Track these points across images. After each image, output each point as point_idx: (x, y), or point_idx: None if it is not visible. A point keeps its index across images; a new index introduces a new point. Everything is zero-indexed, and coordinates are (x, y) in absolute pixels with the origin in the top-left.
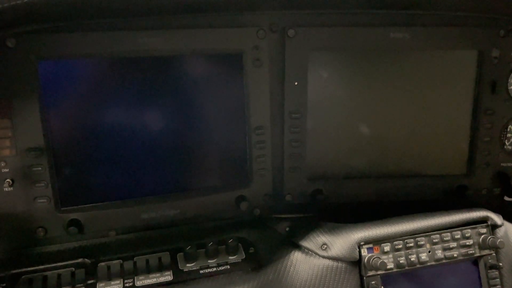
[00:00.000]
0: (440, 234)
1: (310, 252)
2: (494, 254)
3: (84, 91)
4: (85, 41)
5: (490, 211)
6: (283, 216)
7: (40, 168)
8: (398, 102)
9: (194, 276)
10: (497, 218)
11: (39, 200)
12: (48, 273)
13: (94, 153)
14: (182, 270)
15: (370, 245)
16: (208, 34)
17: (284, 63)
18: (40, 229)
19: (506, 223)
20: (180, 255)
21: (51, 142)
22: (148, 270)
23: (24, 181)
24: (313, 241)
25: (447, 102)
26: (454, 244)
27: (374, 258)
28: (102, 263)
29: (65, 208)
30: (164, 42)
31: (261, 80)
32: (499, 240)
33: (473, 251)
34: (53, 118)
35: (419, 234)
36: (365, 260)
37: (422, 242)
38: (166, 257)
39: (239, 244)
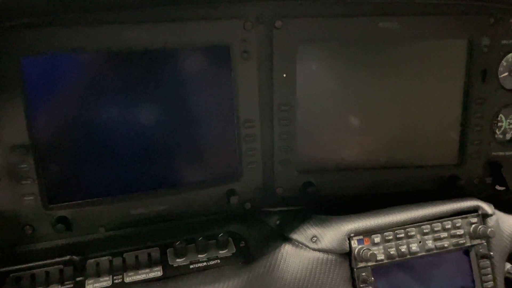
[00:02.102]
0: (430, 224)
1: (301, 245)
2: (485, 243)
3: (69, 86)
4: (68, 36)
5: (481, 201)
6: (273, 209)
7: (26, 166)
8: (388, 93)
9: (184, 271)
10: (488, 208)
11: (26, 198)
12: (36, 271)
13: (81, 149)
14: (172, 266)
15: (360, 237)
16: (194, 27)
17: (272, 55)
18: (27, 226)
19: (497, 212)
20: (170, 251)
21: (36, 139)
22: (138, 266)
23: (10, 179)
24: (303, 234)
25: (438, 92)
26: (444, 234)
27: (364, 249)
28: (91, 260)
29: (53, 206)
30: (149, 36)
31: (249, 72)
32: (489, 229)
33: (464, 241)
34: (38, 114)
35: (409, 224)
36: (355, 252)
37: (412, 233)
38: (155, 253)
39: (230, 238)
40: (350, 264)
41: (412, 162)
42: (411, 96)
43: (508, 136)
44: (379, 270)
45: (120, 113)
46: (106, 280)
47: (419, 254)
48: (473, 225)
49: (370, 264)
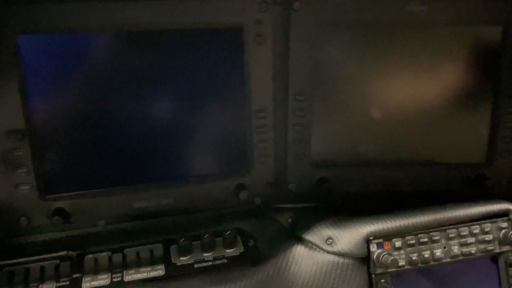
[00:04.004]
0: (457, 228)
1: (314, 247)
2: None
3: (69, 68)
4: (68, 13)
5: None
6: (285, 206)
7: (21, 153)
8: (413, 83)
9: (188, 270)
10: None
11: (21, 187)
12: (31, 265)
13: (81, 136)
14: (175, 264)
15: (380, 240)
16: (204, 6)
17: (289, 39)
18: (23, 218)
19: None
20: (173, 248)
21: (33, 124)
22: (139, 263)
23: (5, 167)
24: (317, 235)
25: (467, 83)
26: (472, 240)
27: (385, 254)
28: (90, 255)
29: (50, 196)
30: (155, 15)
31: (264, 58)
32: None
33: (493, 247)
34: (35, 97)
35: (433, 228)
36: (374, 256)
37: (437, 237)
38: (158, 250)
39: (238, 236)
40: (368, 270)
41: (436, 159)
42: (438, 86)
43: None
44: (400, 277)
45: (123, 99)
46: (105, 278)
47: (444, 261)
48: (503, 231)
49: (390, 270)
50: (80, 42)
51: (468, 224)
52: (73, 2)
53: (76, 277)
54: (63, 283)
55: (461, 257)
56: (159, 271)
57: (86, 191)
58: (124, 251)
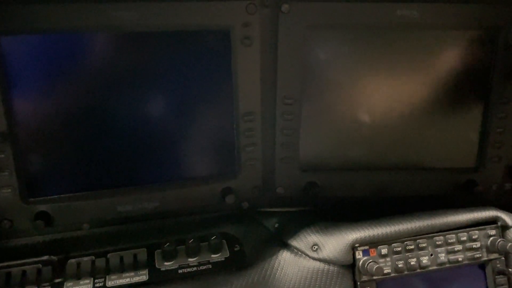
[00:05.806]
0: (444, 235)
1: (300, 253)
2: (503, 258)
3: (51, 71)
4: (52, 14)
5: (501, 210)
6: (273, 210)
7: (3, 155)
8: (403, 87)
9: (172, 276)
10: (508, 219)
11: (3, 190)
12: (12, 269)
13: (64, 139)
14: (159, 269)
15: (366, 247)
16: (191, 8)
17: (277, 42)
18: (5, 221)
19: None
20: (157, 252)
21: (15, 127)
22: (122, 268)
23: None
24: (303, 241)
25: (458, 88)
26: (459, 247)
27: (370, 262)
28: (72, 260)
29: (33, 199)
30: (140, 17)
31: (251, 60)
32: (509, 243)
33: (480, 255)
34: (17, 99)
35: (420, 235)
36: (360, 264)
37: (423, 245)
38: (142, 254)
39: (223, 241)
40: (353, 277)
41: (426, 163)
42: (428, 91)
43: None
44: (385, 284)
45: (108, 102)
46: (87, 283)
47: (430, 268)
48: (491, 238)
49: (375, 277)
50: (63, 43)
51: (456, 231)
52: (57, 3)
53: (58, 282)
54: None
55: (448, 265)
56: (142, 276)
57: (69, 195)
58: (108, 256)
